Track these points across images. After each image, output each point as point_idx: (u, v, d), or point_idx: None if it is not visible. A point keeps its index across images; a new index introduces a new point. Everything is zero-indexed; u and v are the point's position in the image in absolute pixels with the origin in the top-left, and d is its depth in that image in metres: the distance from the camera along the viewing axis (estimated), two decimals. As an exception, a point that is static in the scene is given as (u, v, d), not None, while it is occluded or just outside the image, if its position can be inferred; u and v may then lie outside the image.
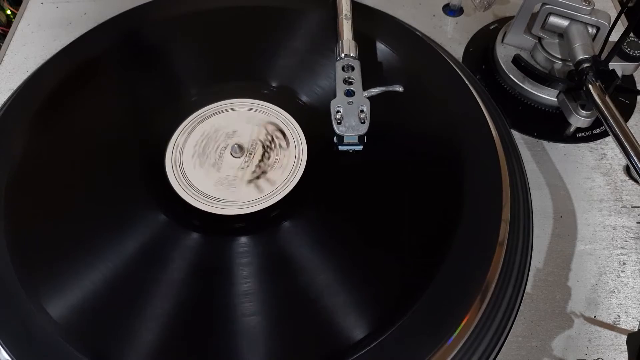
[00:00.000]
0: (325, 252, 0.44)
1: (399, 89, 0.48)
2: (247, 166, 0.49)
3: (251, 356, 0.40)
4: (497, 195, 0.46)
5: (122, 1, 0.63)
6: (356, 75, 0.49)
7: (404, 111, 0.51)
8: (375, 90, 0.48)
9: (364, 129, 0.46)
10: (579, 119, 0.51)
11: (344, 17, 0.54)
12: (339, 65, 0.50)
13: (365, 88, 0.48)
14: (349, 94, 0.47)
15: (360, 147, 0.48)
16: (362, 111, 0.46)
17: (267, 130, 0.52)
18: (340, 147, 0.48)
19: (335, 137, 0.47)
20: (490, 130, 0.50)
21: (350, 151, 0.48)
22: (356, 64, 0.50)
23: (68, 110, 0.53)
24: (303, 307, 0.42)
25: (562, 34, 0.53)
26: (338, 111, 0.46)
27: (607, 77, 0.48)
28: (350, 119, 0.46)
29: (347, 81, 0.48)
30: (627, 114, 0.56)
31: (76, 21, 0.66)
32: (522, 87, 0.55)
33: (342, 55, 0.50)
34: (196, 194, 0.48)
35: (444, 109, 0.51)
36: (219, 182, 0.48)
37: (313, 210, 0.47)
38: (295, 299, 0.42)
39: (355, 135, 0.46)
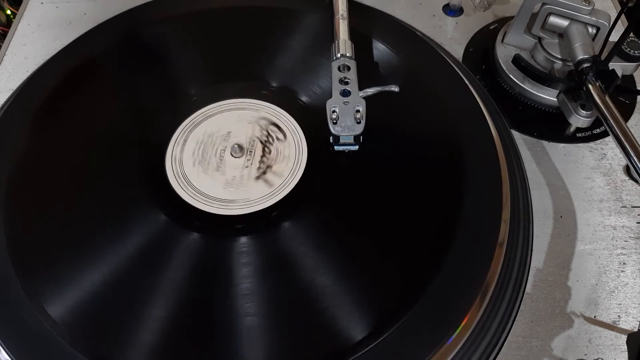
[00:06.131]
0: (325, 253, 0.44)
1: (395, 89, 0.48)
2: (251, 164, 0.49)
3: (251, 356, 0.40)
4: (497, 195, 0.46)
5: (122, 1, 0.63)
6: (352, 75, 0.49)
7: (404, 111, 0.51)
8: (370, 91, 0.48)
9: (359, 129, 0.46)
10: (579, 119, 0.51)
11: (340, 16, 0.54)
12: (335, 65, 0.50)
13: (364, 88, 0.48)
14: (345, 94, 0.47)
15: (356, 147, 0.47)
16: (357, 111, 0.46)
17: (261, 126, 0.52)
18: (336, 147, 0.48)
19: (331, 137, 0.47)
20: (490, 131, 0.50)
21: (346, 151, 0.48)
22: (352, 64, 0.49)
23: (68, 110, 0.53)
24: (303, 307, 0.42)
25: (562, 34, 0.53)
26: (334, 111, 0.46)
27: (607, 77, 0.48)
28: (346, 119, 0.46)
29: (343, 81, 0.48)
30: (627, 114, 0.56)
31: (76, 21, 0.66)
32: (522, 87, 0.55)
33: (338, 55, 0.50)
34: (197, 194, 0.48)
35: (443, 109, 0.51)
36: (226, 183, 0.48)
37: (313, 211, 0.47)
38: (296, 299, 0.42)
39: (350, 135, 0.46)
